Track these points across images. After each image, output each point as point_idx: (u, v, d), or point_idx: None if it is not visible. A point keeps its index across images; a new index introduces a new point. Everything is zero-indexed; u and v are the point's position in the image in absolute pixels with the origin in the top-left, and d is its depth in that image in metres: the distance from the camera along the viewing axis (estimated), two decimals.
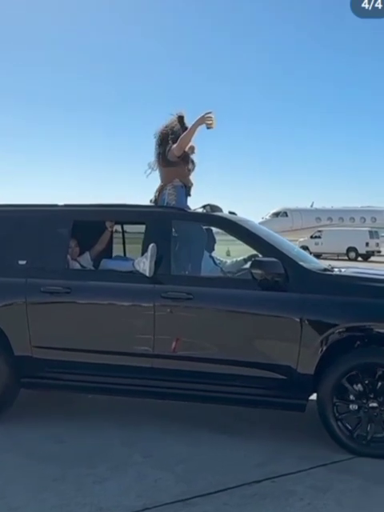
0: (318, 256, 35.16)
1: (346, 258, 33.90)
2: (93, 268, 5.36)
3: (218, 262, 5.46)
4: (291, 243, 5.85)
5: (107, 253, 5.77)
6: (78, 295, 4.94)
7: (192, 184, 5.56)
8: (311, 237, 37.06)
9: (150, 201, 5.55)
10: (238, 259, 5.45)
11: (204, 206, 5.35)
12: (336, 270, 5.11)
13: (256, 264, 4.58)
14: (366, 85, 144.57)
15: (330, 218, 41.48)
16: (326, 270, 4.98)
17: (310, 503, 3.62)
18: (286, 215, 40.57)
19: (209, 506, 3.56)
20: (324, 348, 4.42)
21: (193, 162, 5.59)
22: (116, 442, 4.60)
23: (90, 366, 4.87)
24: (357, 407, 4.36)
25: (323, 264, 5.33)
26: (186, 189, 5.51)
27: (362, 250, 34.60)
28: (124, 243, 6.03)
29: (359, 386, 4.37)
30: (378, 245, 35.38)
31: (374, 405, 4.33)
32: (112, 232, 5.70)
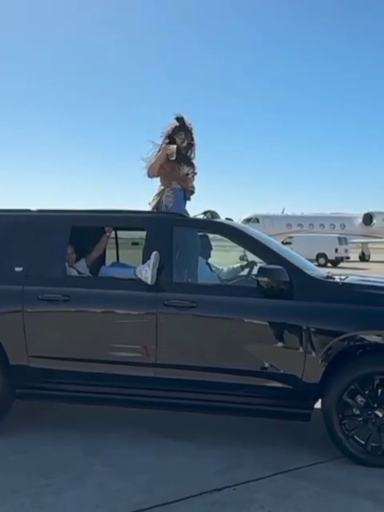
0: None
1: (316, 263, 34.27)
2: (89, 275, 5.26)
3: (213, 269, 5.43)
4: (293, 251, 5.78)
5: (101, 259, 5.67)
6: (78, 303, 4.83)
7: (192, 189, 5.61)
8: (282, 243, 37.18)
9: (149, 204, 5.56)
10: (235, 266, 5.42)
11: (205, 213, 5.31)
12: (336, 277, 5.01)
13: (262, 271, 4.51)
14: (330, 89, 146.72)
15: (300, 225, 41.91)
16: (328, 277, 4.90)
17: (270, 511, 3.63)
18: (258, 221, 40.75)
19: None
20: (330, 356, 4.37)
21: (192, 165, 5.63)
22: (79, 453, 4.54)
23: (90, 376, 4.76)
24: (368, 413, 4.30)
25: (323, 271, 5.25)
26: (185, 193, 5.54)
27: (332, 256, 35.05)
28: (117, 249, 5.94)
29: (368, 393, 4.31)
30: (346, 251, 35.93)
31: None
32: (109, 238, 5.60)
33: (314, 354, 4.37)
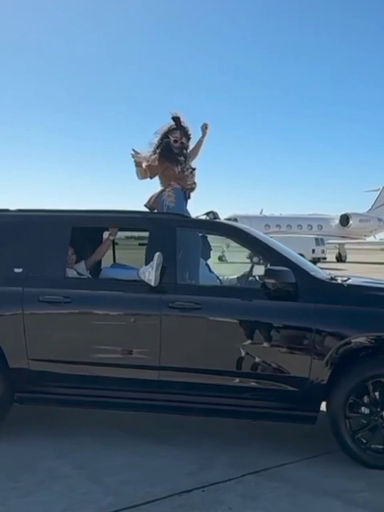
0: None
1: None
2: (89, 276, 5.17)
3: (213, 270, 5.39)
4: (295, 253, 5.71)
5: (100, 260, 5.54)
6: (80, 305, 4.74)
7: (192, 187, 5.58)
8: None
9: (144, 206, 5.52)
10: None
11: (207, 213, 5.26)
12: (339, 279, 4.97)
13: (269, 273, 4.45)
14: (314, 90, 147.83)
15: (278, 225, 42.06)
16: (332, 279, 4.86)
17: None
18: (236, 221, 40.88)
19: None
20: (337, 358, 4.33)
21: (186, 163, 5.56)
22: (51, 455, 4.46)
23: (92, 380, 4.67)
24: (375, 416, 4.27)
25: (326, 273, 5.20)
26: (185, 192, 5.52)
27: (309, 256, 35.16)
28: (114, 250, 5.80)
29: (376, 394, 4.29)
30: (323, 252, 36.17)
31: None
32: (113, 241, 5.48)
33: (320, 356, 4.33)
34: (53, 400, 4.79)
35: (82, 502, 3.71)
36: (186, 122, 5.64)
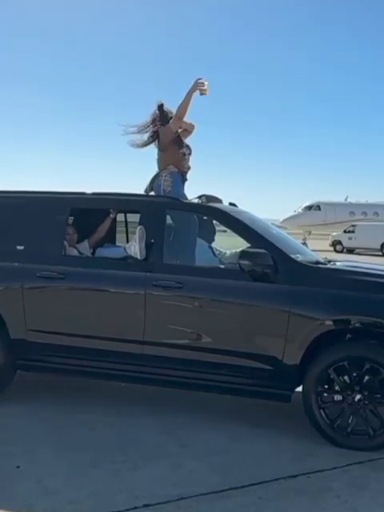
0: (351, 251, 34.82)
1: (380, 253, 33.33)
2: (89, 255, 5.45)
3: (217, 252, 5.49)
4: (290, 237, 5.91)
5: (110, 241, 5.85)
6: (72, 281, 5.05)
7: (188, 168, 5.62)
8: (344, 231, 36.53)
9: (144, 191, 5.61)
10: (237, 251, 5.37)
11: (199, 197, 5.45)
12: (330, 263, 5.17)
13: (244, 254, 4.63)
14: None
15: (364, 213, 40.74)
16: (318, 263, 5.00)
17: (346, 501, 3.59)
18: (319, 209, 39.96)
19: (245, 499, 3.55)
20: (310, 340, 4.44)
21: (188, 146, 5.64)
22: (150, 430, 4.62)
23: (82, 351, 4.98)
24: (341, 398, 4.39)
25: (319, 257, 5.37)
26: (182, 174, 5.55)
27: None
28: (127, 233, 6.09)
29: (345, 378, 4.39)
30: None
31: (359, 397, 4.33)
32: (114, 220, 5.75)
33: (294, 336, 4.46)
34: (48, 368, 5.18)
35: (189, 478, 3.81)
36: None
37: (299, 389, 4.62)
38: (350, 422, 4.36)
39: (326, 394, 4.44)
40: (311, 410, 4.46)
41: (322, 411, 4.42)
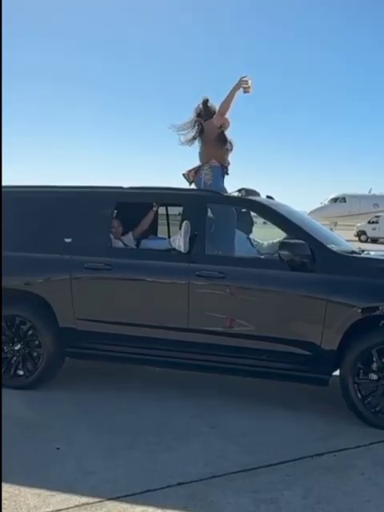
0: (374, 240, 34.83)
1: None
2: (134, 247, 5.64)
3: (255, 243, 5.65)
4: (325, 228, 6.06)
5: (153, 234, 6.02)
6: (118, 272, 5.24)
7: (229, 163, 5.77)
8: (369, 222, 37.05)
9: (183, 175, 5.77)
10: (274, 241, 5.55)
11: (239, 190, 5.58)
12: (365, 253, 5.33)
13: (283, 245, 4.81)
14: None
15: None
16: (353, 252, 5.15)
17: (370, 478, 3.75)
18: (345, 201, 40.41)
19: (273, 477, 3.73)
20: (347, 326, 4.59)
21: (230, 142, 5.77)
22: (181, 414, 4.83)
23: (128, 338, 5.18)
24: (376, 378, 4.58)
25: (353, 247, 5.52)
26: (223, 169, 5.71)
27: None
28: (168, 225, 6.26)
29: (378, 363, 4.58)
30: None
31: None
32: (156, 213, 5.93)
33: (331, 323, 4.62)
34: (95, 355, 5.40)
35: (220, 458, 4.00)
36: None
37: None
38: (380, 401, 4.56)
39: (362, 372, 4.61)
40: (348, 392, 4.62)
41: (358, 392, 4.59)
